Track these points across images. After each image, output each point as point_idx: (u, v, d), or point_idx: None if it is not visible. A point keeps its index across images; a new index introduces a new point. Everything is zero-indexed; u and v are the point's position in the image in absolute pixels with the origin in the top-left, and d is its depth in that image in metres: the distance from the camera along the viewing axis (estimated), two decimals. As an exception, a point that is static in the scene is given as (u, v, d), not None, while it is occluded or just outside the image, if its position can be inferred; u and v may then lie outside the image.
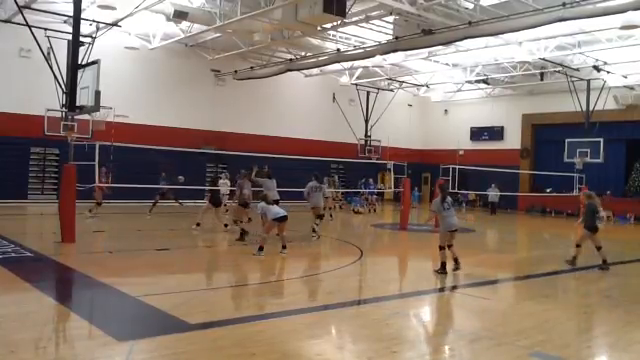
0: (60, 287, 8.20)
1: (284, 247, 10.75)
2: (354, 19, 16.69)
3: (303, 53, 22.04)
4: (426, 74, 26.92)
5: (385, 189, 27.46)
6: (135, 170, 17.86)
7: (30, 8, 16.08)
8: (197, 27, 18.44)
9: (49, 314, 6.41)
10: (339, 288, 8.53)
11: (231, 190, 17.61)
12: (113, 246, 11.30)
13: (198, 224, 14.72)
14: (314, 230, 13.31)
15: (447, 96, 31.96)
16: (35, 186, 21.10)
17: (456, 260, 9.49)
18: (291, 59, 22.30)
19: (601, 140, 23.59)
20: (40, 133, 18.18)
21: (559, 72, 23.52)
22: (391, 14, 16.55)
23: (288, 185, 15.14)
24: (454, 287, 8.84)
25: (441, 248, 9.44)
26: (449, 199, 9.76)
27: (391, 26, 17.71)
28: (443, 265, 9.37)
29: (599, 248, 10.67)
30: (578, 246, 10.87)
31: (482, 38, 17.60)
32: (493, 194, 26.46)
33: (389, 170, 22.21)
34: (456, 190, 20.40)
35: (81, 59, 12.65)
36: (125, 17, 17.03)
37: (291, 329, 5.98)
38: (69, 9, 12.92)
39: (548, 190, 27.31)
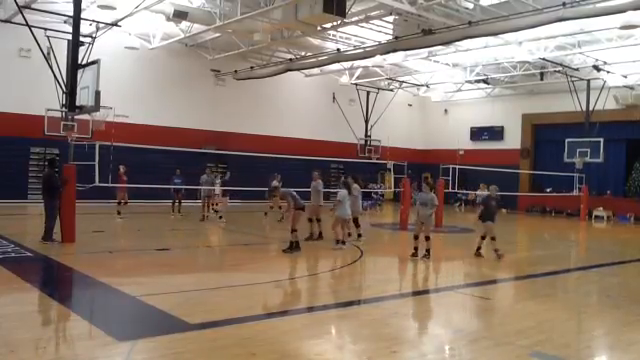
0: (60, 287, 8.19)
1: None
2: (354, 19, 16.67)
3: (303, 53, 22.02)
4: (426, 74, 26.89)
5: (386, 189, 27.45)
6: (135, 170, 17.81)
7: (30, 8, 16.05)
8: (197, 27, 18.42)
9: (49, 314, 6.42)
10: (339, 288, 8.53)
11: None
12: (113, 246, 11.29)
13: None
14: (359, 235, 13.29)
15: (447, 96, 31.94)
16: (35, 186, 20.97)
17: (343, 242, 11.97)
18: (291, 59, 22.28)
19: (601, 140, 23.56)
20: (40, 133, 18.15)
21: (559, 72, 23.49)
22: (391, 14, 16.53)
23: (288, 185, 15.10)
24: (454, 287, 8.84)
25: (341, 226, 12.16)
26: (341, 192, 12.16)
27: (391, 26, 17.69)
28: (339, 241, 11.93)
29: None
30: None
31: (482, 38, 17.58)
32: (481, 196, 22.01)
33: (389, 170, 22.12)
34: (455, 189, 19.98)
35: (81, 59, 12.64)
36: (125, 17, 17.00)
37: (291, 329, 5.98)
38: (69, 9, 12.91)
39: (548, 190, 27.31)
